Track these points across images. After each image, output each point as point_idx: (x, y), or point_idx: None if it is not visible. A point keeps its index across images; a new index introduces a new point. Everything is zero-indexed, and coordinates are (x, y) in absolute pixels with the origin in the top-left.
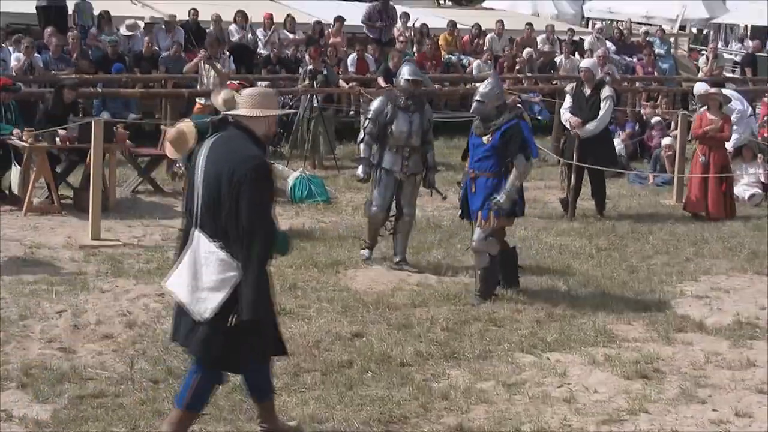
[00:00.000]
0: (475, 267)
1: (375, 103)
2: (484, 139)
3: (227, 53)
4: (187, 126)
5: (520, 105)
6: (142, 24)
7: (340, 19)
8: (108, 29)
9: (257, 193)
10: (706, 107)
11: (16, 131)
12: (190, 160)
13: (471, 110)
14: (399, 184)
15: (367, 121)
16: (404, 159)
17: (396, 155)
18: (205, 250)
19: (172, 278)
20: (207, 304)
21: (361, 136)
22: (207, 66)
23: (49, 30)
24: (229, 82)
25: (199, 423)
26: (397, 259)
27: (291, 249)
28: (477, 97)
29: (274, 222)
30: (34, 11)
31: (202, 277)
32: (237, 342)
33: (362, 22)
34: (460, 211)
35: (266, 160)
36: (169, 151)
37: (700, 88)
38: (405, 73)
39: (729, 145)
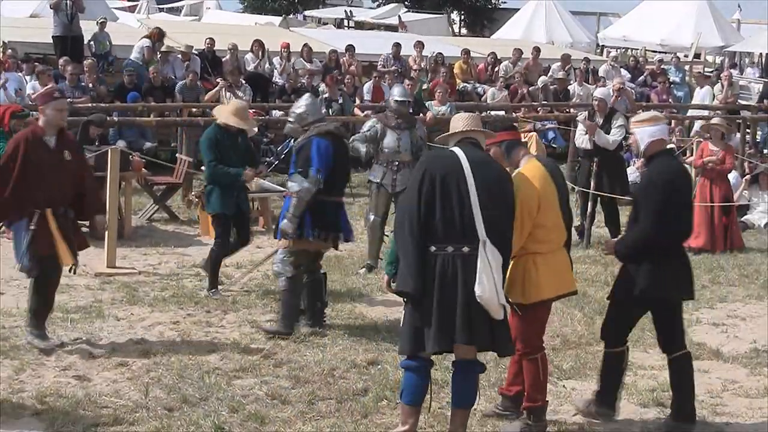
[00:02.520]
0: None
1: (367, 123)
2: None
3: (244, 82)
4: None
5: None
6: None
7: (350, 48)
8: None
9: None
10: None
11: None
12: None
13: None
14: (396, 197)
15: (356, 136)
16: (393, 173)
17: (386, 169)
18: (497, 259)
19: (479, 288)
20: (502, 305)
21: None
22: (228, 94)
23: (62, 60)
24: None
25: None
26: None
27: None
28: (288, 117)
29: None
30: (51, 41)
31: (498, 282)
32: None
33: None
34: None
35: None
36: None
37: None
38: (395, 94)
39: None
